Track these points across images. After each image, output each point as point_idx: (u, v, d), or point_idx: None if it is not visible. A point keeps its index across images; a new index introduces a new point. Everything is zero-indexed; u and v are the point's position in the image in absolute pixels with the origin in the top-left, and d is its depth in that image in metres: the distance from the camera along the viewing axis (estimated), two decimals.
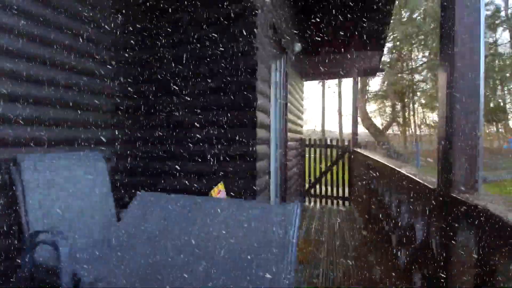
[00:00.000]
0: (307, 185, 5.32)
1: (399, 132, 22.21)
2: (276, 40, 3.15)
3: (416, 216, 1.32)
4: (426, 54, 17.89)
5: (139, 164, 2.33)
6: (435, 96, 18.52)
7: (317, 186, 5.25)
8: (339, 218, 4.19)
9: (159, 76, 2.29)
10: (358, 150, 4.46)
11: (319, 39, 4.65)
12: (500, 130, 24.19)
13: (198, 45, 2.19)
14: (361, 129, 17.23)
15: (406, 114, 21.60)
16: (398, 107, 19.85)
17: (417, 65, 18.05)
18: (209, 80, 2.16)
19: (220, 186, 1.99)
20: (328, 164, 5.23)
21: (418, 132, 24.26)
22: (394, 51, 17.01)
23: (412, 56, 18.26)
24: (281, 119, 3.65)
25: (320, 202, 5.23)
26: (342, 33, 4.50)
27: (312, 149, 5.33)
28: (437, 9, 14.42)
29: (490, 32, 16.62)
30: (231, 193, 2.11)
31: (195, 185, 2.19)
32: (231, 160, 2.11)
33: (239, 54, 2.09)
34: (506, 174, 10.15)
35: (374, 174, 2.58)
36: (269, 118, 2.56)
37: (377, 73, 5.43)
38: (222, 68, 2.13)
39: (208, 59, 2.17)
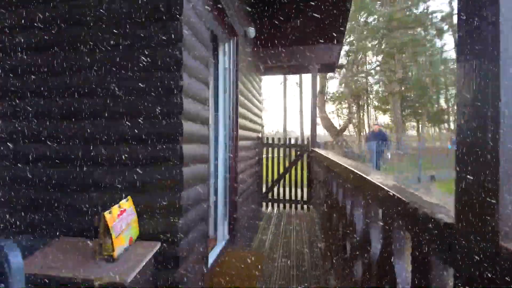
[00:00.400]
0: (265, 188, 4.88)
1: (354, 133, 23.24)
2: (222, 18, 2.60)
3: (398, 255, 0.87)
4: (380, 58, 18.87)
5: (6, 172, 1.60)
6: (386, 99, 19.65)
7: (275, 189, 4.84)
8: (297, 227, 3.79)
9: (43, 40, 1.59)
10: (317, 150, 4.12)
11: (276, 28, 4.23)
12: (443, 131, 26.71)
13: None
14: (320, 130, 17.55)
15: (361, 115, 22.69)
16: (354, 108, 20.71)
17: (371, 68, 18.96)
18: (112, 47, 1.52)
19: (125, 203, 1.38)
20: (287, 165, 4.84)
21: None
22: (350, 54, 17.60)
23: (367, 59, 19.14)
24: (232, 114, 3.12)
25: (278, 206, 4.81)
26: (300, 23, 4.13)
27: (270, 149, 4.90)
28: (392, 15, 15.14)
29: (437, 38, 18.03)
30: (147, 213, 1.51)
31: (90, 201, 1.54)
32: (145, 165, 1.51)
33: (156, 13, 1.49)
34: (453, 173, 10.89)
35: (335, 179, 2.17)
36: (209, 110, 2.01)
37: (336, 69, 5.19)
38: (131, 30, 1.51)
39: (112, 15, 1.53)
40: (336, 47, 4.60)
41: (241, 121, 3.50)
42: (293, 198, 4.75)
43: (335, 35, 4.36)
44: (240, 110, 3.44)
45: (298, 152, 4.73)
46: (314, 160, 4.24)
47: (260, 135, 5.03)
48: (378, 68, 18.09)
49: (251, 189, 4.21)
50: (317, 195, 3.92)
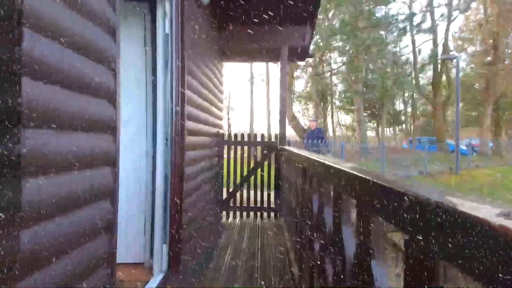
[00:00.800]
0: (225, 194, 4.11)
1: None
2: None
3: None
4: (344, 59, 19.10)
5: None
6: (351, 100, 20.03)
7: (238, 195, 4.10)
8: (264, 242, 3.09)
9: None
10: (288, 148, 3.47)
11: (241, 4, 3.49)
12: (398, 133, 28.22)
13: None
14: (288, 130, 17.19)
15: (326, 115, 22.97)
16: (320, 108, 20.81)
17: (337, 67, 19.13)
18: None
19: None
20: (252, 166, 4.13)
21: (336, 133, 26.22)
22: (316, 53, 17.51)
23: (332, 59, 19.29)
24: (177, 98, 2.30)
25: (241, 215, 4.07)
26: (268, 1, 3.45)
27: (233, 147, 4.15)
28: (358, 15, 15.21)
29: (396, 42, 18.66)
30: None
31: None
32: None
33: None
34: (413, 171, 11.20)
35: (318, 188, 1.48)
36: (115, 76, 1.20)
37: (307, 57, 4.62)
38: None
39: None
40: (308, 30, 4.00)
41: (192, 110, 2.70)
42: (258, 204, 4.04)
43: (306, 14, 3.75)
44: (191, 95, 2.64)
45: (265, 151, 4.05)
46: (284, 159, 3.58)
47: (220, 130, 4.25)
48: (343, 67, 18.26)
49: (207, 197, 3.41)
50: (287, 201, 3.26)
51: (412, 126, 25.67)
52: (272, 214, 4.01)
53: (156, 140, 2.29)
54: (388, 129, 29.54)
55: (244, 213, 4.05)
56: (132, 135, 2.36)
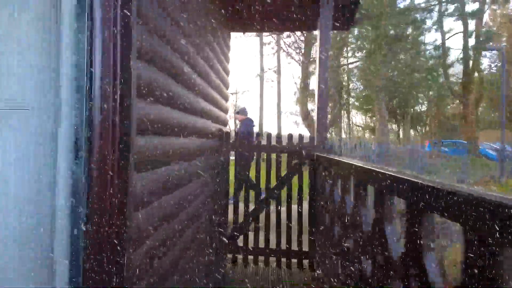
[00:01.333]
0: (231, 226, 2.68)
1: (331, 134, 21.78)
2: None
3: None
4: (361, 54, 17.41)
5: None
6: (370, 98, 18.33)
7: (251, 228, 2.66)
8: None
9: None
10: (337, 158, 2.00)
11: None
12: (412, 133, 26.21)
13: None
14: (302, 129, 15.77)
15: (343, 115, 21.31)
16: (336, 107, 19.15)
17: (355, 61, 17.49)
18: None
19: None
20: (274, 184, 2.67)
21: (350, 134, 24.49)
22: (336, 47, 15.90)
23: (351, 53, 17.67)
24: (108, 41, 0.89)
25: (255, 262, 2.61)
26: None
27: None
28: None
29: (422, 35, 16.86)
30: None
31: None
32: None
33: None
34: (451, 179, 9.55)
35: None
36: None
37: (353, 24, 3.14)
38: None
39: None
40: None
41: (159, 78, 1.29)
42: (283, 246, 2.58)
43: None
44: (156, 46, 1.24)
45: (295, 161, 2.59)
46: (326, 174, 2.11)
47: (224, 128, 2.83)
48: (363, 61, 16.58)
49: (203, 229, 2.00)
50: (335, 246, 1.81)
51: (431, 127, 23.67)
52: (306, 262, 2.55)
53: (58, 140, 0.89)
54: (406, 130, 27.69)
55: (260, 259, 2.60)
56: (27, 135, 0.97)
